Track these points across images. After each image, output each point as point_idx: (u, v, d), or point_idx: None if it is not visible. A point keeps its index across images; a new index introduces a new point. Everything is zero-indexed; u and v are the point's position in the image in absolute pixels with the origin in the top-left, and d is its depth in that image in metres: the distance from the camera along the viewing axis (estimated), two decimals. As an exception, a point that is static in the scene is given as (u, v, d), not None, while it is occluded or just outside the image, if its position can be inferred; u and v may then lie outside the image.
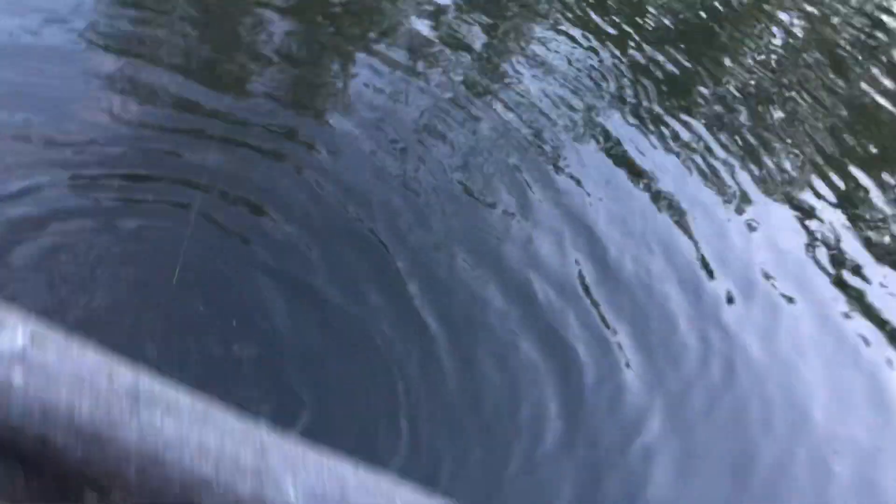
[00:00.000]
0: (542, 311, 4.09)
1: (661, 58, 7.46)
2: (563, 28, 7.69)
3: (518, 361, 3.81)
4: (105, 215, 4.07)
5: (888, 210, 6.39)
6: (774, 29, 9.15)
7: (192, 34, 5.85)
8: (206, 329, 3.57)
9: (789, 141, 6.91)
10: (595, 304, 4.28)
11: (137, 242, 4.00)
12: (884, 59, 9.21)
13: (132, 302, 3.71)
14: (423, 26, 7.11)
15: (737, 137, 6.58)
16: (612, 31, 7.78)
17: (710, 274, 4.82)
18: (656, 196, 5.52)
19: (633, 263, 4.66)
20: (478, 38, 7.25)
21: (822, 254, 5.50)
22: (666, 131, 6.33)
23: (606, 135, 6.18)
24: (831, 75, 8.33)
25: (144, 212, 4.15)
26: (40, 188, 4.06)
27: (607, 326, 4.18)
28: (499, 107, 6.23)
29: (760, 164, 6.27)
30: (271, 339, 3.53)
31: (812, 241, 5.61)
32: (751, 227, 5.44)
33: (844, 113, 7.70)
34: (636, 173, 5.71)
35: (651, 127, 6.39)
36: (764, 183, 6.08)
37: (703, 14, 8.83)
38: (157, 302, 3.67)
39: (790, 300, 4.92)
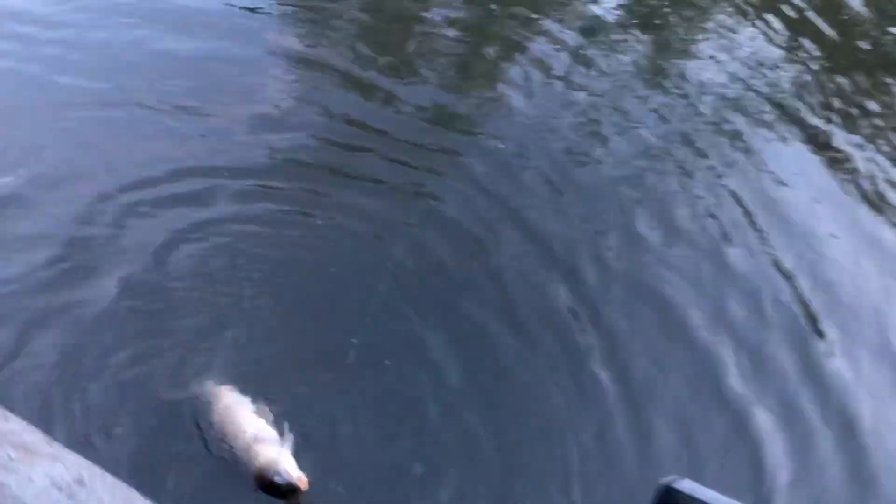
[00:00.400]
0: (735, 384, 3.45)
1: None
2: (748, 20, 6.64)
3: (708, 444, 3.24)
4: (274, 214, 3.91)
5: None
6: None
7: (367, 25, 5.56)
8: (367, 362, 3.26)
9: None
10: (806, 380, 3.52)
11: (305, 248, 3.77)
12: None
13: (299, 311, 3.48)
14: (599, 9, 6.39)
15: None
16: (808, 35, 6.56)
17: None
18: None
19: (862, 320, 3.80)
20: (657, 23, 6.46)
21: None
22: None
23: (811, 140, 5.28)
24: None
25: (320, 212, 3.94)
26: (216, 187, 3.95)
27: (819, 414, 3.41)
28: (684, 100, 5.49)
29: None
30: (442, 383, 3.23)
31: None
32: None
33: None
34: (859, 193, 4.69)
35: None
36: None
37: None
38: (318, 319, 3.43)
39: None
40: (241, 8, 5.36)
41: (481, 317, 3.48)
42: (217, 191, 3.97)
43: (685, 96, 5.73)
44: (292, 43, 5.13)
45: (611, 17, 6.35)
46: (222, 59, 4.83)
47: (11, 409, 2.60)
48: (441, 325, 3.41)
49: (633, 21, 6.40)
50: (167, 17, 5.10)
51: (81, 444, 2.70)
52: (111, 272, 3.44)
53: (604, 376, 3.34)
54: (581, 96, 5.33)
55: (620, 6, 6.60)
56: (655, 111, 5.38)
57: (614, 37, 6.10)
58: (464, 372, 3.23)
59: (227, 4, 5.35)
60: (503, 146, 4.59)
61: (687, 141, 5.18)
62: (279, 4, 5.52)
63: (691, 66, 5.96)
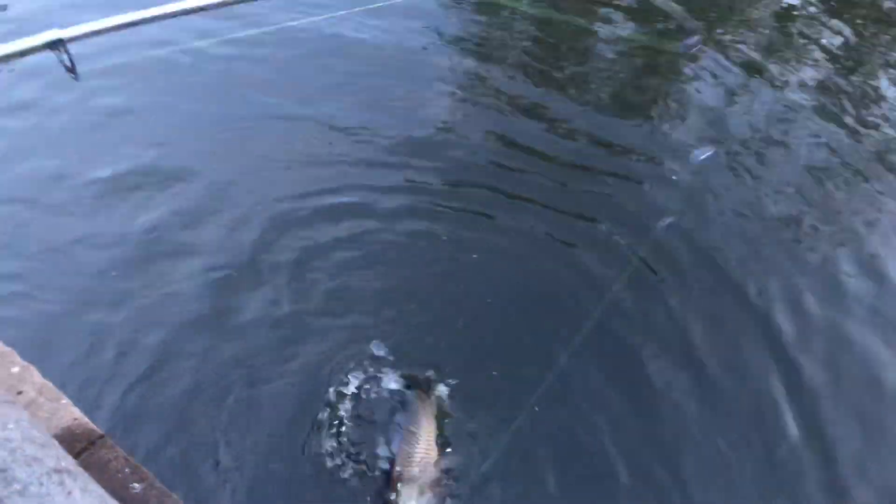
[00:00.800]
0: None
1: None
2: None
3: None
4: (444, 223, 3.72)
5: None
6: None
7: (536, 45, 5.33)
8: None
9: None
10: None
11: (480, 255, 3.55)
12: None
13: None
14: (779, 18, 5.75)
15: None
16: None
17: None
18: None
19: None
20: (844, 39, 5.66)
21: None
22: None
23: None
24: None
25: (493, 228, 3.72)
26: (376, 202, 3.84)
27: None
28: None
29: None
30: (620, 439, 2.83)
31: None
32: None
33: None
34: None
35: None
36: None
37: None
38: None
39: None
40: (412, 30, 5.33)
41: (663, 362, 3.08)
42: (377, 205, 3.86)
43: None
44: (460, 63, 5.01)
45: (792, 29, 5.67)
46: (392, 78, 4.77)
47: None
48: (617, 370, 3.04)
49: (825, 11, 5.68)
50: (340, 40, 5.14)
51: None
52: (266, 280, 3.39)
53: (804, 446, 2.85)
54: (765, 107, 4.77)
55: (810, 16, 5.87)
56: (857, 119, 4.69)
57: (798, 50, 5.43)
58: (643, 428, 2.85)
59: (400, 27, 5.34)
60: (680, 170, 4.13)
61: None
62: (449, 24, 5.44)
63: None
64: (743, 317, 3.26)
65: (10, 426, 1.10)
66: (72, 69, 1.56)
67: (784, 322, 3.25)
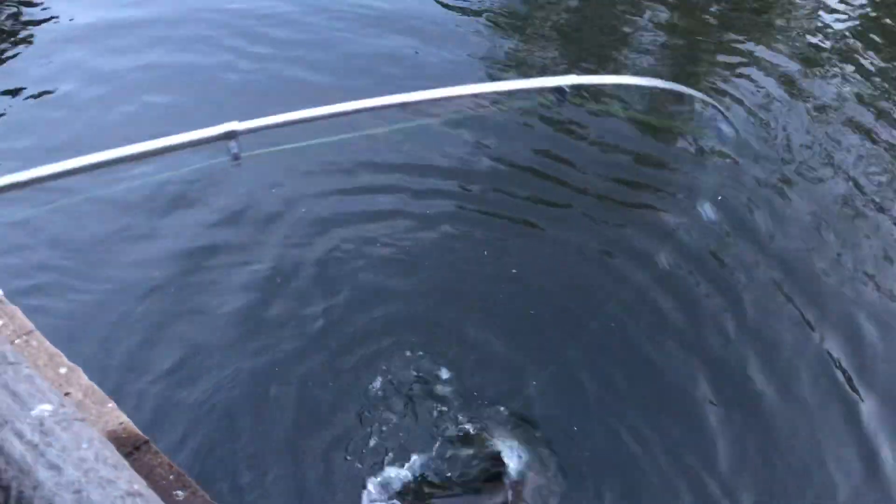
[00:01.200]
0: None
1: None
2: None
3: None
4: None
5: None
6: None
7: (573, 32, 5.25)
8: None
9: None
10: None
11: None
12: None
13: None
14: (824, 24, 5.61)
15: None
16: None
17: None
18: None
19: None
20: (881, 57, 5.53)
21: None
22: None
23: None
24: None
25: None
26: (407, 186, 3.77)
27: None
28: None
29: None
30: (708, 461, 2.69)
31: None
32: None
33: None
34: None
35: None
36: None
37: None
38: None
39: None
40: (447, 12, 5.32)
41: (719, 389, 2.91)
42: (406, 190, 3.78)
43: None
44: (496, 48, 4.95)
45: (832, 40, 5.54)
46: (427, 62, 4.73)
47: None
48: (669, 396, 2.87)
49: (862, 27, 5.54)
50: (382, 21, 5.15)
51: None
52: (306, 282, 3.27)
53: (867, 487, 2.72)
54: (805, 127, 4.62)
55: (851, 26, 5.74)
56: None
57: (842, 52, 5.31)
58: (731, 447, 2.69)
59: (436, 9, 5.35)
60: (727, 186, 4.01)
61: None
62: (484, 11, 5.39)
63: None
64: (818, 321, 3.12)
65: (84, 445, 1.03)
66: (237, 157, 1.50)
67: (867, 330, 3.09)
